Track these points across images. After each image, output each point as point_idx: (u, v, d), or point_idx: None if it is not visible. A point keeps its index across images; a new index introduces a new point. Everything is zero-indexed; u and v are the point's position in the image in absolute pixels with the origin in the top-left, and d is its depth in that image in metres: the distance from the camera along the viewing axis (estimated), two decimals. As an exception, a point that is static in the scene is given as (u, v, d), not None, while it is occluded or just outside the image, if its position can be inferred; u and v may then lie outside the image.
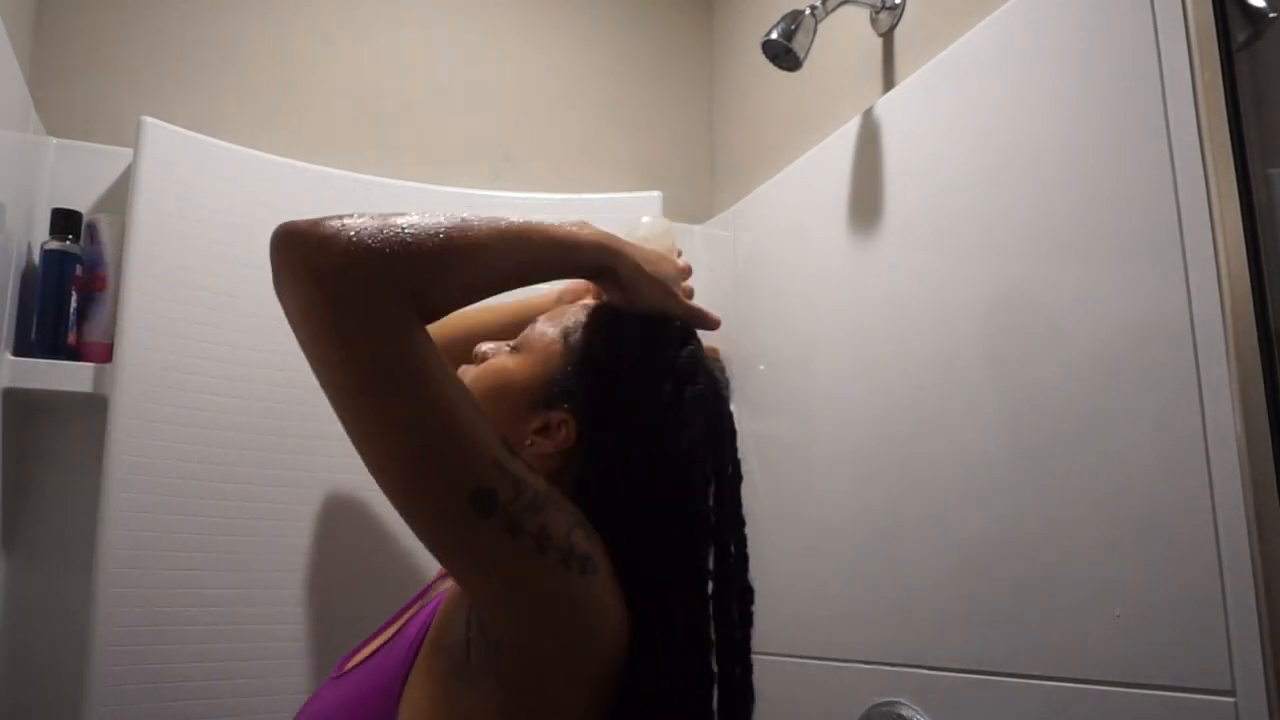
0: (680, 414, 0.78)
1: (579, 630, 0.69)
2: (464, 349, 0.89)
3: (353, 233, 0.64)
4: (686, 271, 0.92)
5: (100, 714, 1.16)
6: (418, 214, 0.68)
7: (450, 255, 0.67)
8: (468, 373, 0.84)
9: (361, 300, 0.63)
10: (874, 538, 1.17)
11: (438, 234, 0.67)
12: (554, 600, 0.67)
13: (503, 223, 0.72)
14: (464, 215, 0.71)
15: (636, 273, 0.80)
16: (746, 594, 0.81)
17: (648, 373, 0.79)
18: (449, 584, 0.80)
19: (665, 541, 0.76)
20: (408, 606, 0.92)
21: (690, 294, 0.90)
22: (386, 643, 0.81)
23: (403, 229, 0.66)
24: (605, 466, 0.77)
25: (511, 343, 0.86)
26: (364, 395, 0.64)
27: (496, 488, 0.65)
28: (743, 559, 0.81)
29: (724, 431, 0.82)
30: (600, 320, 0.83)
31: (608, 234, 0.81)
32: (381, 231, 0.65)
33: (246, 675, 1.26)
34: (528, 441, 0.79)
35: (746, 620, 0.80)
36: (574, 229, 0.78)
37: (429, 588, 0.96)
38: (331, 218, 0.65)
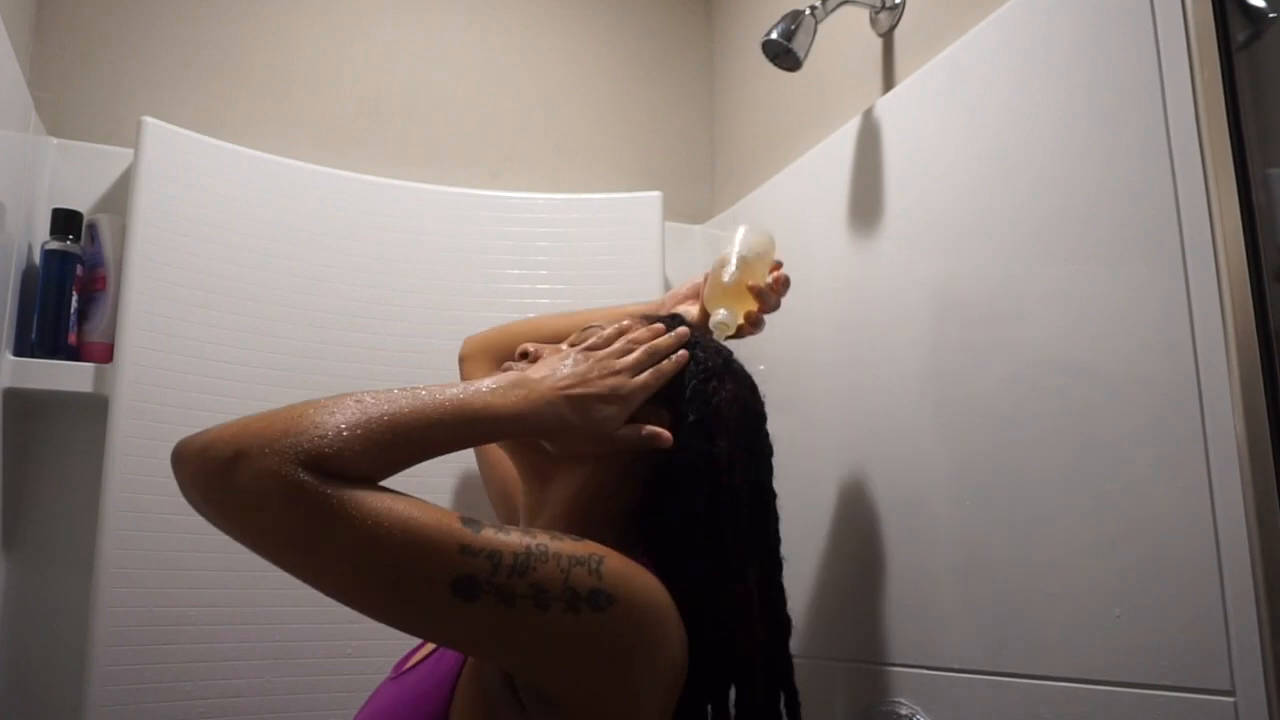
0: (762, 446, 0.90)
1: (613, 664, 0.69)
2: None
3: (234, 430, 0.64)
4: (780, 284, 1.04)
5: (100, 714, 1.16)
6: (312, 405, 0.66)
7: (347, 437, 0.65)
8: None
9: (255, 485, 0.62)
10: (873, 537, 1.17)
11: (327, 421, 0.65)
12: (574, 646, 0.67)
13: (404, 400, 0.69)
14: (360, 396, 0.68)
15: (566, 429, 0.79)
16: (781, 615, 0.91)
17: (743, 400, 0.89)
18: None
19: (724, 554, 0.82)
20: None
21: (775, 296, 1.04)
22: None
23: (288, 418, 0.65)
24: (690, 472, 0.82)
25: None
26: (308, 559, 0.64)
27: (471, 570, 0.64)
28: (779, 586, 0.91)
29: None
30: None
31: (533, 396, 0.77)
32: (267, 423, 0.64)
33: (246, 675, 1.26)
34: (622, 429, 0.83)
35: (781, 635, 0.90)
36: (490, 396, 0.74)
37: None
38: (215, 427, 0.65)
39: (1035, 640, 0.93)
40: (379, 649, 1.33)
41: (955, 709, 1.02)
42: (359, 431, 0.65)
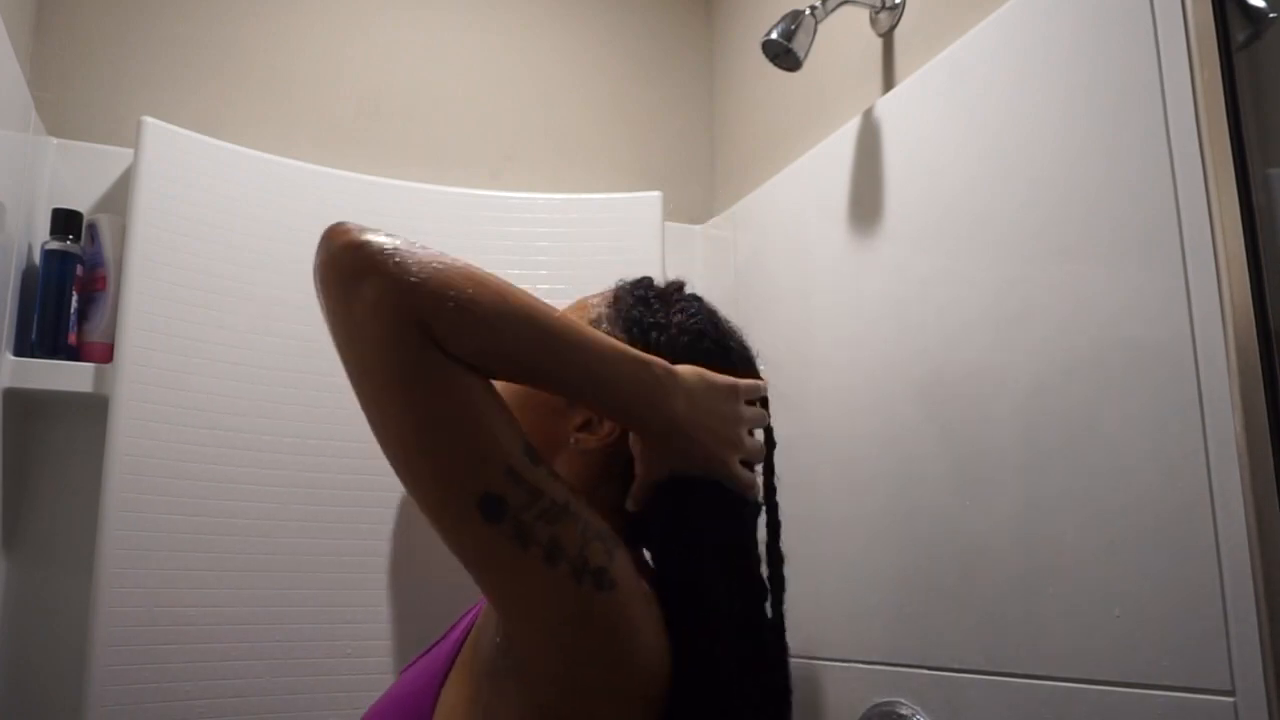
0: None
1: (592, 647, 0.67)
2: None
3: (390, 247, 0.64)
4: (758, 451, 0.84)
5: (100, 714, 1.16)
6: (467, 273, 0.65)
7: (474, 324, 0.64)
8: None
9: (370, 309, 0.63)
10: (874, 537, 1.17)
11: (470, 297, 0.64)
12: (564, 616, 0.65)
13: (566, 320, 0.68)
14: (511, 291, 0.66)
15: (679, 441, 0.74)
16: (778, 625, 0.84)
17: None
18: None
19: (712, 553, 0.75)
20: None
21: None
22: (437, 643, 0.83)
23: (442, 269, 0.64)
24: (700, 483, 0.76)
25: None
26: (387, 394, 0.65)
27: (506, 494, 0.63)
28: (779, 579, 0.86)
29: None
30: (644, 304, 0.84)
31: (673, 394, 0.72)
32: (417, 262, 0.64)
33: (246, 675, 1.26)
34: (572, 439, 0.78)
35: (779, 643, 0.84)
36: (644, 371, 0.70)
37: None
38: (377, 230, 0.64)
39: (1035, 640, 0.93)
40: (379, 649, 1.33)
41: (955, 709, 1.02)
42: (487, 325, 0.64)
